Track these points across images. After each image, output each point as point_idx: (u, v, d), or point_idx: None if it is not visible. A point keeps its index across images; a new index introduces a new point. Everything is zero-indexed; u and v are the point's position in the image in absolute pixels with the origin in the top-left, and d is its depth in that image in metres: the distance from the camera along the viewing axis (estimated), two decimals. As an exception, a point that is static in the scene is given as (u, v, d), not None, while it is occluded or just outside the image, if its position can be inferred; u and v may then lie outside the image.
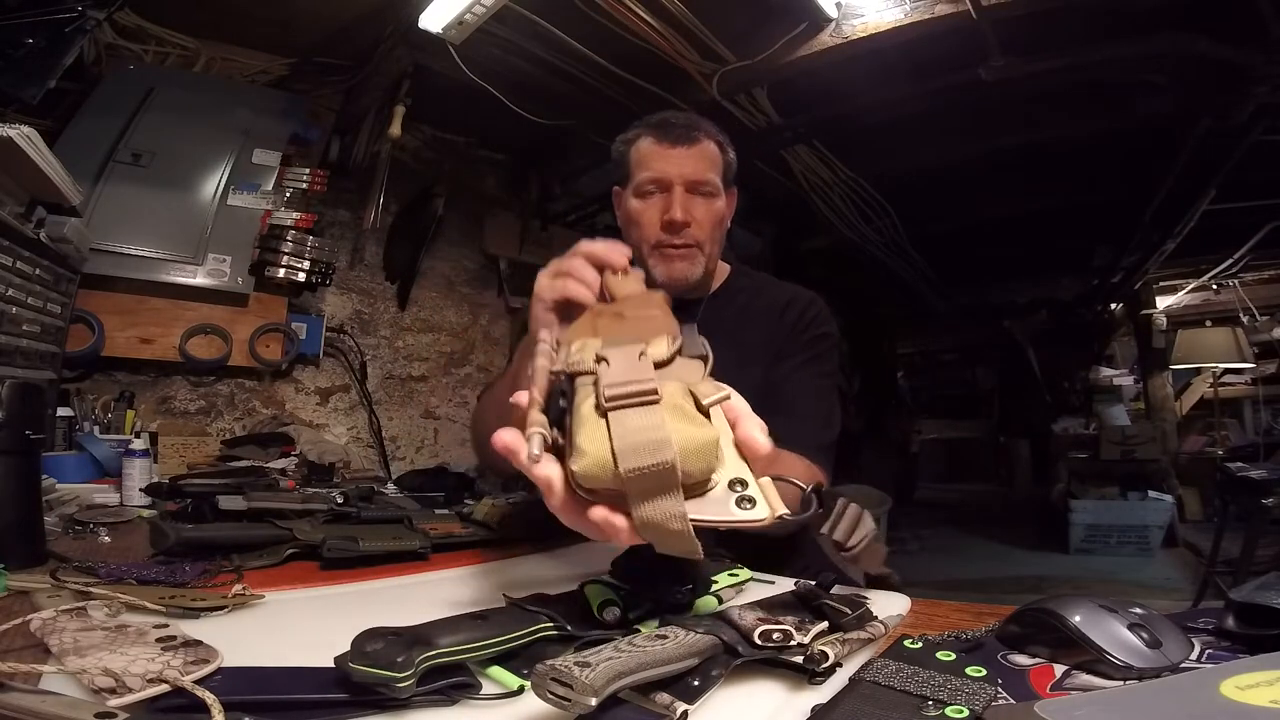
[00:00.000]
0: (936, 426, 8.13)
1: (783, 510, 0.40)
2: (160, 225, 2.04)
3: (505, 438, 0.43)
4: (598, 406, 0.40)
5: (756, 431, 0.43)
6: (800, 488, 0.45)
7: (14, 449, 0.74)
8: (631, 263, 0.67)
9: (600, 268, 0.66)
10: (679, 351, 0.48)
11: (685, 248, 0.99)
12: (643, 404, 0.39)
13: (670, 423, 0.39)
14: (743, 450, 0.43)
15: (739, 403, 0.45)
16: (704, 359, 0.47)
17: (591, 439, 0.39)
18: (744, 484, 0.40)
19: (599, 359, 0.44)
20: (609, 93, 2.32)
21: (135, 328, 2.03)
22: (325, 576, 0.74)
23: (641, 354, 0.44)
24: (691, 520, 0.38)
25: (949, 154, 3.14)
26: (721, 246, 1.05)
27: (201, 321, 2.13)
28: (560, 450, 0.42)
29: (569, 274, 0.65)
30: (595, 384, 0.42)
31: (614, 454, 0.38)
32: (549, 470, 0.41)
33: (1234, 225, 3.79)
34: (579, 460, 0.39)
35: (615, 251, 0.66)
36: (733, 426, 0.44)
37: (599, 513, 0.40)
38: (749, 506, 0.39)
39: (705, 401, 0.42)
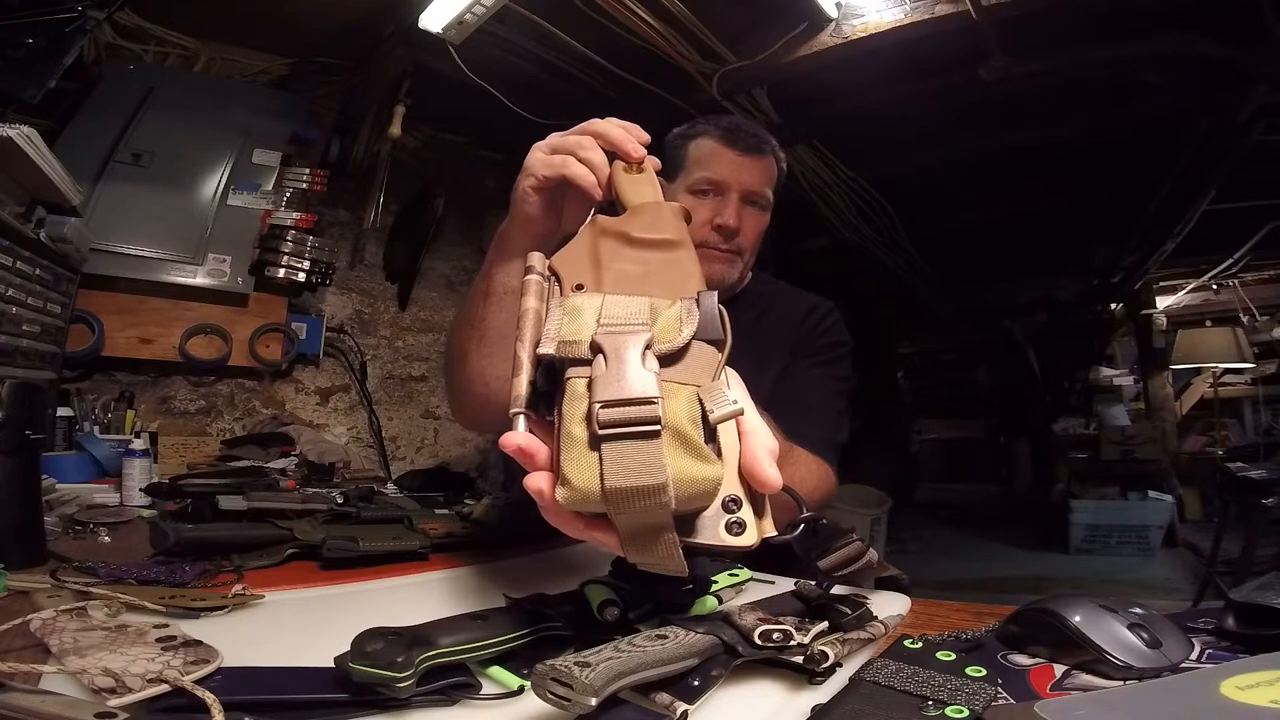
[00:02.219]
0: (936, 426, 8.13)
1: (770, 533, 0.38)
2: (160, 225, 2.04)
3: (518, 441, 0.38)
4: (589, 428, 0.35)
5: (766, 462, 0.38)
6: (797, 502, 0.43)
7: (14, 449, 0.74)
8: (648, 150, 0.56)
9: (611, 154, 0.56)
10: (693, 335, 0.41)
11: (728, 253, 1.00)
12: (641, 435, 0.34)
13: (671, 458, 0.34)
14: (748, 480, 0.38)
15: (752, 418, 0.40)
16: (720, 344, 0.41)
17: (578, 469, 0.35)
18: (738, 503, 0.37)
19: (595, 348, 0.38)
20: (609, 93, 2.32)
21: (135, 328, 2.03)
22: (325, 576, 0.73)
23: (647, 348, 0.38)
24: (681, 541, 0.36)
25: (949, 154, 3.14)
26: (755, 255, 1.06)
27: (201, 321, 2.13)
28: (549, 426, 0.39)
29: (572, 152, 0.54)
30: (590, 388, 0.37)
31: (603, 491, 0.34)
32: (539, 482, 0.38)
33: (1234, 225, 3.80)
34: (564, 491, 0.35)
35: (631, 137, 0.55)
36: (740, 443, 0.39)
37: (593, 534, 0.38)
38: (738, 532, 0.37)
39: (714, 417, 0.37)
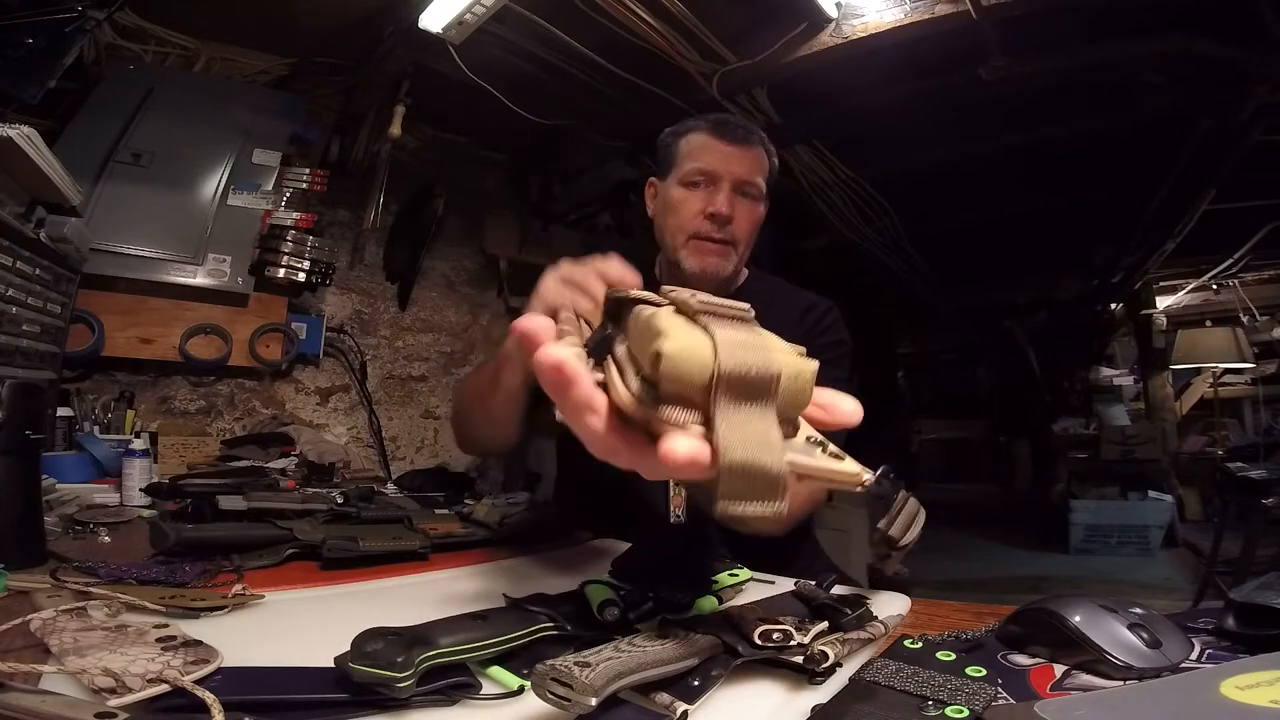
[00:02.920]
0: (936, 426, 8.13)
1: (869, 474, 0.36)
2: (160, 225, 2.04)
3: (529, 323, 0.37)
4: (683, 312, 0.33)
5: (841, 397, 0.38)
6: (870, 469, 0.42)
7: (14, 449, 0.74)
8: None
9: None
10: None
11: (722, 243, 1.00)
12: (740, 319, 0.33)
13: (772, 343, 0.33)
14: (823, 414, 0.37)
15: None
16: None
17: (683, 332, 0.31)
18: (824, 443, 0.35)
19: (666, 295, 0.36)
20: (609, 93, 2.32)
21: (135, 328, 2.03)
22: (325, 576, 0.73)
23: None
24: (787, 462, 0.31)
25: (949, 154, 3.13)
26: (751, 250, 1.06)
27: (201, 321, 2.13)
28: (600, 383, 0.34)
29: (579, 287, 0.60)
30: (674, 301, 0.35)
31: (715, 349, 0.30)
32: (589, 383, 0.33)
33: (1234, 225, 3.80)
34: (670, 341, 0.30)
35: (628, 276, 0.61)
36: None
37: (680, 440, 0.30)
38: (840, 459, 0.34)
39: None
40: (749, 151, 1.02)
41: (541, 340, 0.36)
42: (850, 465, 0.35)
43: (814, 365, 0.33)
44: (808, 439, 0.35)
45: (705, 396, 0.30)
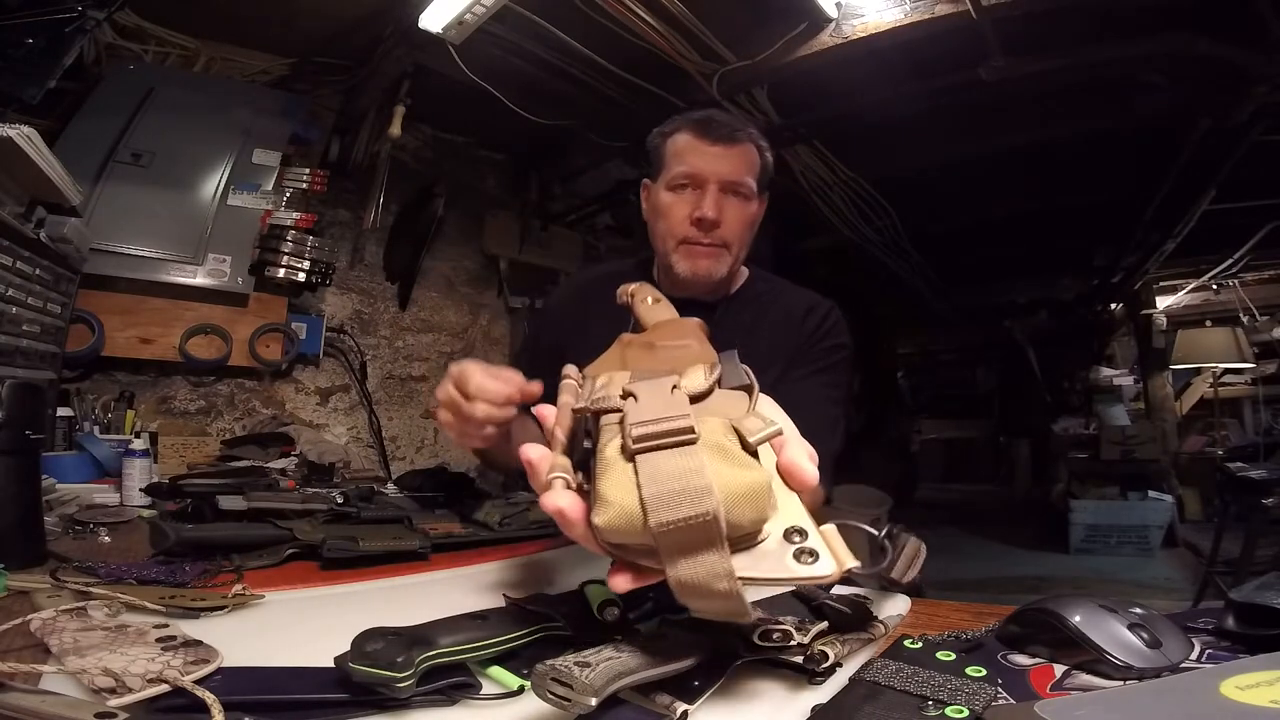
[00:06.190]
0: (936, 426, 8.13)
1: (852, 563, 0.34)
2: (160, 225, 2.04)
3: (530, 453, 0.40)
4: (624, 449, 0.35)
5: (803, 459, 0.38)
6: (871, 533, 0.41)
7: (14, 449, 0.74)
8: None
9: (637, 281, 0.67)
10: (718, 382, 0.42)
11: (713, 246, 0.98)
12: (677, 444, 0.34)
13: (712, 465, 0.33)
14: (785, 478, 0.37)
15: (789, 431, 0.40)
16: (748, 390, 0.42)
17: (616, 486, 0.33)
18: (803, 534, 0.34)
19: (625, 394, 0.39)
20: (609, 93, 2.32)
21: (135, 328, 2.03)
22: (325, 576, 0.73)
23: (675, 387, 0.39)
24: (741, 579, 0.32)
25: (949, 154, 3.13)
26: (748, 250, 1.04)
27: (201, 321, 2.13)
28: (584, 493, 0.38)
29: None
30: (621, 423, 0.36)
31: (643, 505, 0.32)
32: (561, 500, 0.36)
33: (1234, 225, 3.79)
34: (602, 513, 0.33)
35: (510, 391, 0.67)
36: (777, 455, 0.39)
37: (622, 580, 0.36)
38: (811, 561, 0.33)
39: (753, 439, 0.36)
40: (734, 149, 0.99)
41: (541, 474, 0.39)
42: (823, 566, 0.33)
43: (764, 477, 0.34)
44: (787, 532, 0.34)
45: (651, 539, 0.32)
